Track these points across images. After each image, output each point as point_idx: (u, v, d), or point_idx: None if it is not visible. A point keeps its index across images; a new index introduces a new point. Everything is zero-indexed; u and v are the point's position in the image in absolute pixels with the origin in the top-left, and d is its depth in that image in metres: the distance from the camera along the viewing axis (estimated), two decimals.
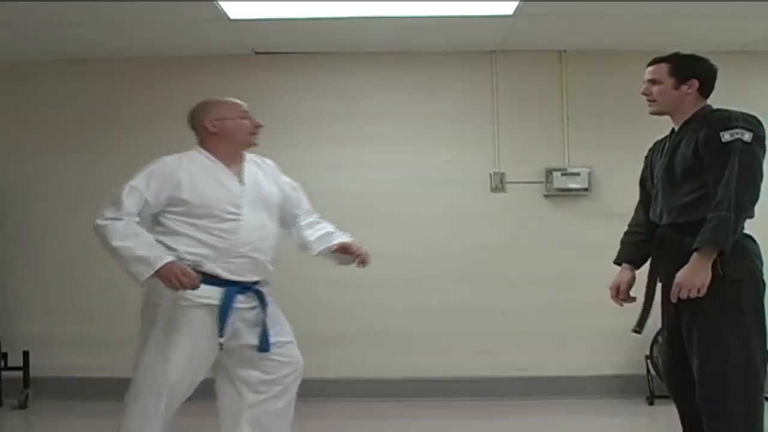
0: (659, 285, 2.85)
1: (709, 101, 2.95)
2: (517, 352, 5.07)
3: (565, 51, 5.22)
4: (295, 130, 5.10)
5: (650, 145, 3.12)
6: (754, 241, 2.75)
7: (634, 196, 3.03)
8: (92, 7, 4.26)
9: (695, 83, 2.87)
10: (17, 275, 5.28)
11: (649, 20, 4.64)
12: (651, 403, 4.78)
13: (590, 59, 5.18)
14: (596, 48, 5.12)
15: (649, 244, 2.91)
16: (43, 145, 5.33)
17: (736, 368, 2.59)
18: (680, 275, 2.62)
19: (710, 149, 2.68)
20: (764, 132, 2.73)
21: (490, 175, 5.17)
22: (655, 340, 4.99)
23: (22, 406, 4.87)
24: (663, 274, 2.81)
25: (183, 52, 5.19)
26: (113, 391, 5.06)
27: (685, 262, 2.64)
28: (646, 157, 3.11)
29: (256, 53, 5.30)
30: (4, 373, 4.92)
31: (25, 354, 4.94)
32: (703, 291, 2.58)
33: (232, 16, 4.53)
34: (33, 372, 4.96)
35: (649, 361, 4.93)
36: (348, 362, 5.00)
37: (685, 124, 2.87)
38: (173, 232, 2.80)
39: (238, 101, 3.02)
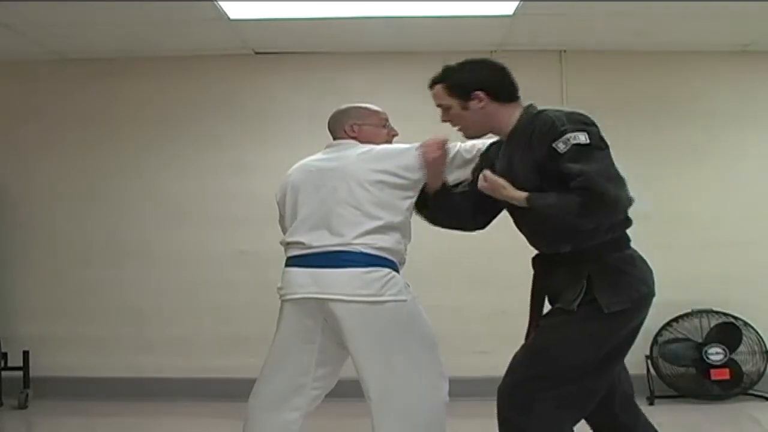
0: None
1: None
2: None
3: (565, 51, 5.22)
4: (294, 129, 5.10)
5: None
6: (642, 261, 2.45)
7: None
8: (92, 7, 4.26)
9: (481, 95, 2.50)
10: (17, 275, 5.28)
11: (649, 20, 4.64)
12: (651, 403, 4.76)
13: (590, 59, 5.18)
14: (596, 48, 5.13)
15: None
16: (43, 145, 5.33)
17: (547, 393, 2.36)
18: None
19: (556, 163, 2.32)
20: (596, 125, 2.40)
21: None
22: (654, 341, 5.00)
23: (22, 406, 4.87)
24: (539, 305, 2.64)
25: (183, 52, 5.19)
26: (113, 391, 5.12)
27: (556, 295, 2.48)
28: (482, 155, 2.77)
29: (256, 53, 5.30)
30: (4, 373, 4.92)
31: (25, 354, 4.94)
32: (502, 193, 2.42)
33: (232, 16, 4.53)
34: (33, 372, 4.96)
35: (649, 361, 4.94)
36: (348, 362, 5.01)
37: (511, 135, 2.53)
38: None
39: (379, 109, 3.01)
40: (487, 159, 2.72)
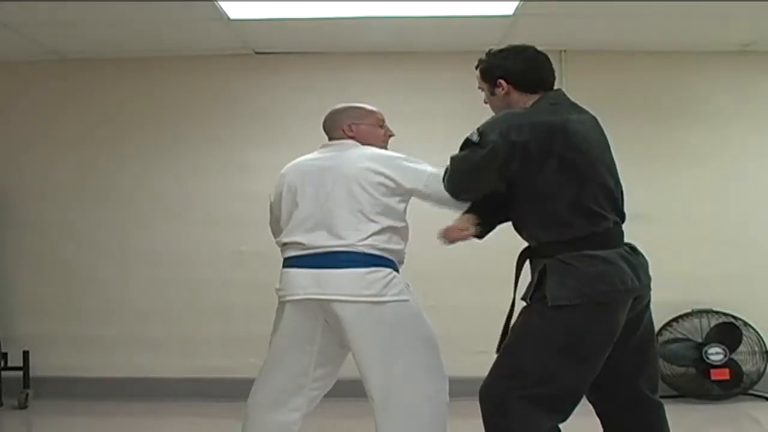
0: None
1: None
2: None
3: (565, 51, 5.21)
4: (295, 129, 5.10)
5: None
6: (601, 260, 2.39)
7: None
8: (92, 7, 4.26)
9: (503, 83, 2.59)
10: (17, 275, 5.27)
11: (649, 20, 4.64)
12: None
13: (590, 59, 5.18)
14: (596, 48, 5.12)
15: None
16: (43, 145, 5.34)
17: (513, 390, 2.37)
18: None
19: None
20: (501, 137, 2.40)
21: None
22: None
23: (22, 406, 4.87)
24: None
25: (183, 52, 5.19)
26: (113, 391, 5.12)
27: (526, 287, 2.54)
28: None
29: (256, 53, 5.30)
30: (4, 373, 4.91)
31: (25, 354, 4.94)
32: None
33: (232, 16, 4.53)
34: (33, 372, 4.96)
35: None
36: (348, 362, 5.00)
37: None
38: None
39: (375, 109, 3.01)
40: None
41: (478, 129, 2.48)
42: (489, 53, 2.66)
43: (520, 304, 2.61)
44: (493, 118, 2.54)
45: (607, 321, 2.39)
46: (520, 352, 2.43)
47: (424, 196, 2.78)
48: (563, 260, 2.40)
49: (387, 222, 2.71)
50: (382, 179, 2.72)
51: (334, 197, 2.72)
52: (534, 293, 2.44)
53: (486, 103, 2.72)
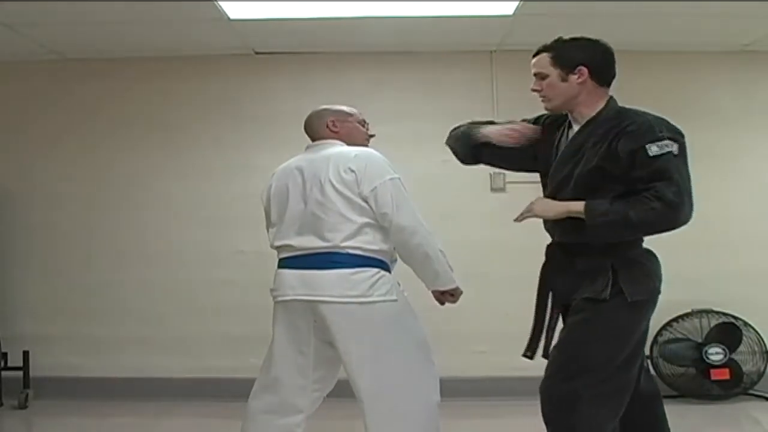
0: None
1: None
2: (517, 352, 5.05)
3: None
4: (295, 129, 5.08)
5: None
6: (655, 257, 2.61)
7: None
8: (92, 7, 4.26)
9: (584, 71, 2.53)
10: (17, 275, 5.27)
11: (649, 20, 4.64)
12: None
13: None
14: None
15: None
16: (43, 146, 5.34)
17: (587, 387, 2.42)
18: (538, 202, 2.57)
19: (638, 165, 2.39)
20: (684, 139, 2.45)
21: (490, 175, 5.16)
22: (654, 341, 5.00)
23: (22, 406, 4.87)
24: (553, 295, 2.66)
25: (183, 52, 5.19)
26: (113, 391, 5.12)
27: (574, 285, 2.53)
28: (541, 122, 2.78)
29: (256, 53, 5.30)
30: (4, 373, 4.91)
31: (25, 354, 4.94)
32: (544, 215, 2.53)
33: (232, 16, 4.53)
34: (33, 372, 4.96)
35: (649, 361, 4.94)
36: None
37: (589, 123, 2.57)
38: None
39: (354, 111, 3.06)
40: (544, 131, 2.73)
41: (671, 139, 2.39)
42: (559, 40, 2.60)
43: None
44: (665, 123, 2.46)
45: (651, 315, 2.58)
46: (594, 349, 2.47)
47: (384, 220, 2.70)
48: (634, 257, 2.51)
49: (363, 219, 2.70)
50: (350, 176, 2.72)
51: (314, 199, 2.74)
52: (609, 290, 2.46)
53: (536, 91, 2.63)
